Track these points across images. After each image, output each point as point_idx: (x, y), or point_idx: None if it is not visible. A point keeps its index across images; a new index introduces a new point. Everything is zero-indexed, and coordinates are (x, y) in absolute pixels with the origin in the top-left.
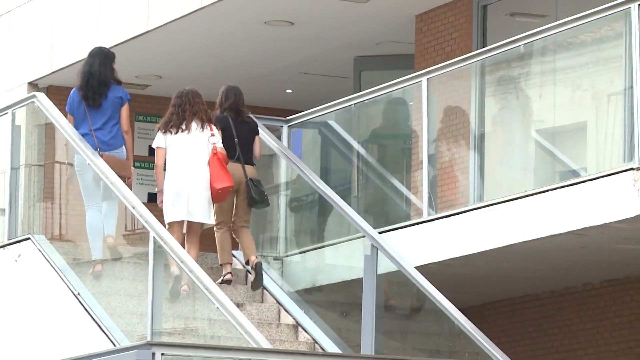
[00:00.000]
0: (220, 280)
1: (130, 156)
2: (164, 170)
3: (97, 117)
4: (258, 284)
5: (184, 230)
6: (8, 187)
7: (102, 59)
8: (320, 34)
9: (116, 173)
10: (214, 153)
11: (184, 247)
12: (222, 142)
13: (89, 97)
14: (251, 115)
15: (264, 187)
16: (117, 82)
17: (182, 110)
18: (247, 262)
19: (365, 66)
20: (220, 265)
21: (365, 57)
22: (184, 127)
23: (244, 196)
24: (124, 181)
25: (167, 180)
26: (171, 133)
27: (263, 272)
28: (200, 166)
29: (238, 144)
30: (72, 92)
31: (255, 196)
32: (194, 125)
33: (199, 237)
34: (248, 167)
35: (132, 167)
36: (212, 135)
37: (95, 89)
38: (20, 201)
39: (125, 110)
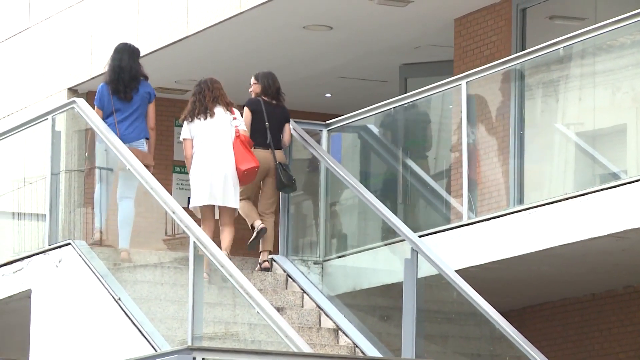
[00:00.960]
0: (253, 236)
1: (151, 152)
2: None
3: (126, 110)
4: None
5: (217, 216)
6: (49, 192)
7: (130, 54)
8: (359, 38)
9: None
10: (237, 136)
11: (214, 233)
12: (253, 126)
13: (120, 91)
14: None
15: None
16: (145, 78)
17: (203, 97)
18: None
19: (411, 73)
20: (252, 226)
21: (410, 64)
22: (208, 112)
23: (271, 180)
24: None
25: (193, 167)
26: (198, 119)
27: (303, 275)
28: (224, 150)
29: (269, 127)
30: (100, 86)
31: (284, 180)
32: (217, 110)
33: (232, 222)
34: (277, 152)
35: (152, 165)
36: (234, 118)
37: (127, 83)
38: (61, 207)
39: (152, 107)
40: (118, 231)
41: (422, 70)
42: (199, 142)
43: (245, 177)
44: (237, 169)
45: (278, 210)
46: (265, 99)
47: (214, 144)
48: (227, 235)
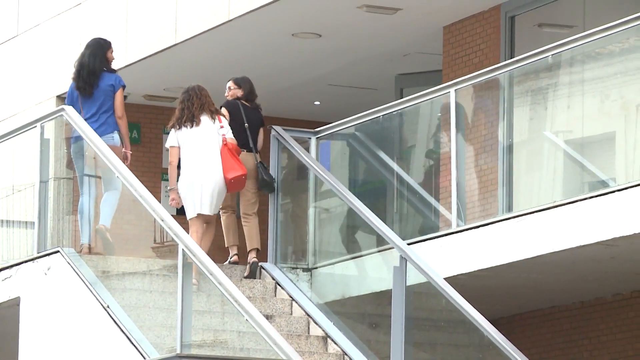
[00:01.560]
0: (227, 262)
1: (126, 141)
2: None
3: (90, 106)
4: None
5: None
6: (37, 200)
7: (93, 49)
8: (348, 45)
9: None
10: (224, 144)
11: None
12: (230, 127)
13: (81, 87)
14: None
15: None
16: (110, 71)
17: (191, 104)
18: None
19: (407, 83)
20: (227, 247)
21: (406, 74)
22: (194, 120)
23: (250, 182)
24: None
25: (182, 176)
26: (185, 127)
27: (292, 283)
28: (212, 159)
29: (248, 129)
30: (70, 85)
31: (266, 178)
32: (204, 118)
33: (214, 223)
34: (255, 154)
35: (129, 152)
36: (222, 127)
37: (86, 79)
38: (49, 214)
39: (118, 96)
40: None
41: (417, 80)
42: (186, 151)
43: (232, 185)
44: (225, 177)
45: (261, 212)
46: (244, 102)
47: (202, 152)
48: (207, 239)
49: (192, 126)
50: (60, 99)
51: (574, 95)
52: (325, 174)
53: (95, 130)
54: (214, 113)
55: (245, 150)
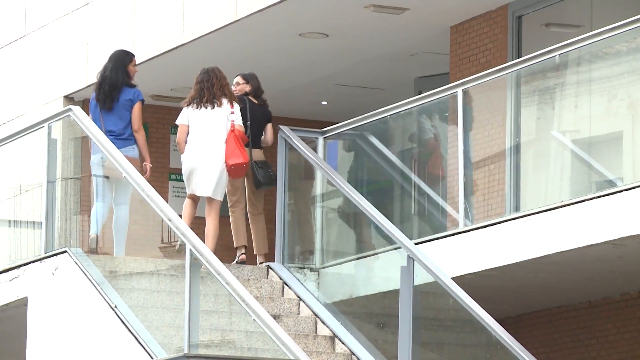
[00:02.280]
0: (234, 262)
1: (144, 154)
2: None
3: (110, 120)
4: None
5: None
6: (45, 200)
7: (114, 62)
8: (355, 45)
9: None
10: (232, 130)
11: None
12: None
13: (101, 101)
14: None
15: (272, 168)
16: (130, 85)
17: (211, 85)
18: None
19: (425, 86)
20: (236, 248)
21: (425, 77)
22: (215, 102)
23: (250, 179)
24: None
25: (184, 155)
26: (205, 108)
27: (299, 283)
28: (217, 142)
29: (250, 126)
30: (92, 96)
31: (260, 178)
32: (224, 100)
33: (217, 214)
34: (255, 151)
35: (149, 165)
36: (232, 112)
37: (107, 93)
38: (57, 214)
39: (135, 110)
40: (113, 237)
41: (435, 82)
42: (195, 131)
43: (233, 172)
44: (226, 162)
45: (268, 211)
46: (251, 98)
47: (209, 134)
48: (210, 235)
49: (213, 107)
50: (68, 99)
51: (581, 94)
52: (333, 173)
53: (121, 141)
54: (232, 97)
55: (250, 147)
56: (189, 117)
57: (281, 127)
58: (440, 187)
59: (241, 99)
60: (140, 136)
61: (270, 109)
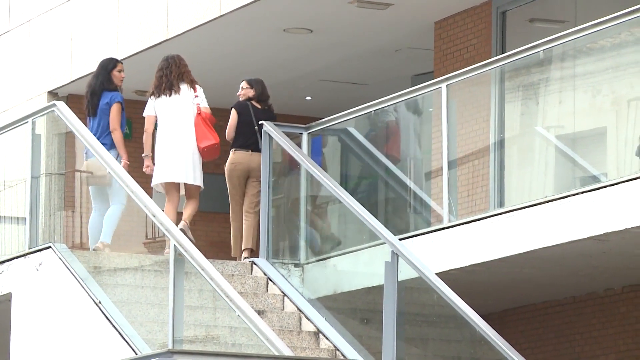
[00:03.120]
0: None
1: (120, 152)
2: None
3: (93, 125)
4: None
5: (182, 193)
6: (29, 196)
7: (97, 69)
8: (339, 41)
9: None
10: (198, 113)
11: (175, 209)
12: (238, 128)
13: (86, 108)
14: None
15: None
16: (110, 90)
17: (169, 72)
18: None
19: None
20: (244, 250)
21: (421, 74)
22: (173, 89)
23: (254, 182)
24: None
25: (157, 145)
26: (165, 96)
27: (284, 279)
28: (186, 128)
29: (259, 131)
30: None
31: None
32: (182, 87)
33: (197, 196)
34: (258, 154)
35: (125, 161)
36: (196, 96)
37: (88, 99)
38: (41, 210)
39: (112, 111)
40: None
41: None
42: (162, 120)
43: (206, 154)
44: (198, 146)
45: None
46: (255, 103)
47: (177, 121)
48: (189, 208)
49: (170, 94)
50: (52, 94)
51: (565, 90)
52: (317, 169)
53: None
54: (192, 82)
55: (251, 150)
56: (155, 108)
57: (265, 122)
58: (425, 182)
59: (244, 105)
60: (116, 135)
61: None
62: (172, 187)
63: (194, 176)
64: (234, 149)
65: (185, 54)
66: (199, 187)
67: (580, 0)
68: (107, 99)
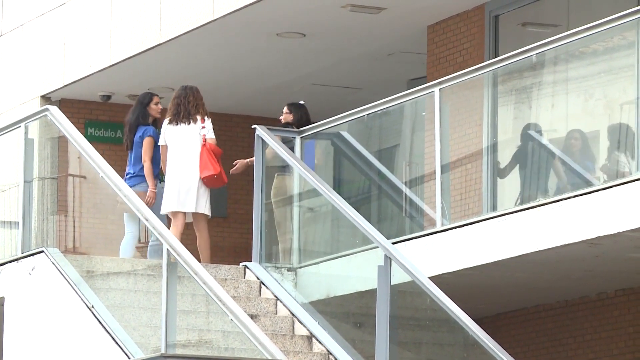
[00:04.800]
0: None
1: (149, 181)
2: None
3: (130, 158)
4: None
5: (189, 220)
6: (21, 200)
7: (134, 104)
8: (332, 45)
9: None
10: (203, 144)
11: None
12: None
13: (124, 142)
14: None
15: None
16: (145, 124)
17: (187, 102)
18: None
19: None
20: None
21: (417, 79)
22: (192, 118)
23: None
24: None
25: (167, 173)
26: (184, 124)
27: (277, 283)
28: (192, 158)
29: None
30: None
31: None
32: (197, 118)
33: (206, 227)
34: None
35: (151, 190)
36: (203, 127)
37: (127, 135)
38: (34, 214)
39: (144, 144)
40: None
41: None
42: (172, 149)
43: (207, 183)
44: (200, 175)
45: (246, 211)
46: (294, 128)
47: (186, 151)
48: (203, 247)
49: (188, 123)
50: (45, 98)
51: (558, 94)
52: (310, 173)
53: (129, 180)
54: (205, 115)
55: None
56: (165, 137)
57: (258, 126)
58: (418, 186)
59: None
60: (145, 166)
61: (247, 109)
62: (179, 214)
63: (204, 206)
64: (276, 174)
65: (178, 58)
66: (207, 215)
67: (572, 4)
68: (140, 133)
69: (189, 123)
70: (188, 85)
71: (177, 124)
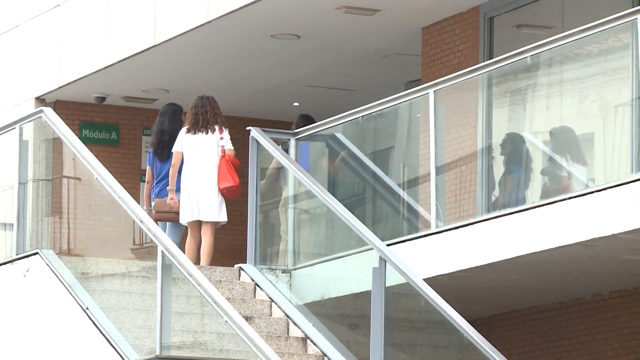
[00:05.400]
0: None
1: (170, 182)
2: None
3: (165, 168)
4: None
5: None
6: (16, 202)
7: (171, 115)
8: (326, 46)
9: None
10: (222, 155)
11: (197, 244)
12: None
13: (159, 153)
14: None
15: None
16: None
17: (205, 111)
18: None
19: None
20: None
21: (415, 81)
22: (210, 128)
23: None
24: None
25: (182, 182)
26: (202, 133)
27: (271, 284)
28: (210, 167)
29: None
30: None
31: None
32: (215, 127)
33: (212, 230)
34: None
35: (172, 198)
36: (221, 138)
37: (165, 144)
38: (29, 216)
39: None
40: None
41: None
42: (189, 158)
43: (225, 194)
44: (218, 186)
45: (241, 213)
46: None
47: (204, 160)
48: (206, 252)
49: (206, 133)
50: (39, 100)
51: (552, 96)
52: (304, 175)
53: (159, 191)
54: (223, 124)
55: None
56: (182, 143)
57: (252, 128)
58: (413, 188)
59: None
60: (171, 170)
61: (242, 110)
62: (195, 224)
63: (219, 214)
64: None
65: (173, 59)
66: (224, 222)
67: (567, 6)
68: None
69: (207, 132)
70: (205, 94)
71: (195, 133)
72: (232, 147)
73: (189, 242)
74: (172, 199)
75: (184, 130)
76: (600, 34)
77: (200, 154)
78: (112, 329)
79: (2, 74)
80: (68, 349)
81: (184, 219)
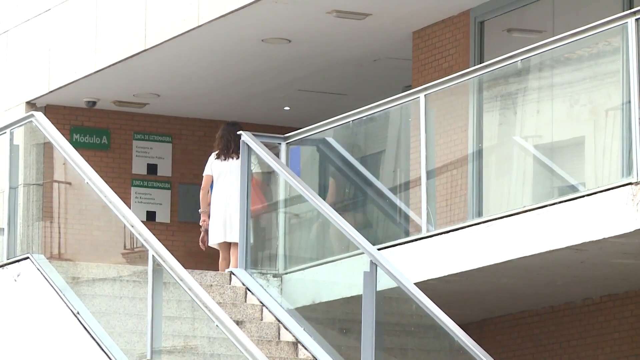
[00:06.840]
0: None
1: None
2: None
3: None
4: None
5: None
6: (6, 206)
7: (234, 134)
8: (317, 51)
9: None
10: (252, 179)
11: (228, 264)
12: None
13: (228, 156)
14: None
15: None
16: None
17: (236, 138)
18: None
19: None
20: None
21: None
22: (239, 153)
23: None
24: None
25: (212, 204)
26: (232, 159)
27: (262, 289)
28: (237, 191)
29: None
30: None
31: None
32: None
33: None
34: None
35: (204, 219)
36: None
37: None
38: (19, 220)
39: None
40: None
41: None
42: (219, 182)
43: (252, 216)
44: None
45: None
46: None
47: (233, 185)
48: (235, 257)
49: (237, 158)
50: (30, 104)
51: (543, 100)
52: (295, 179)
53: None
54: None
55: None
56: (212, 169)
57: (243, 132)
58: (403, 192)
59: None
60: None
61: (233, 115)
62: (225, 245)
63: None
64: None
65: (164, 64)
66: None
67: (557, 10)
68: None
69: (237, 158)
70: (232, 121)
71: (225, 159)
72: (260, 171)
73: (222, 264)
74: (204, 220)
75: (213, 155)
76: (590, 38)
77: (231, 178)
78: (103, 334)
79: None
80: (59, 354)
81: (213, 240)
